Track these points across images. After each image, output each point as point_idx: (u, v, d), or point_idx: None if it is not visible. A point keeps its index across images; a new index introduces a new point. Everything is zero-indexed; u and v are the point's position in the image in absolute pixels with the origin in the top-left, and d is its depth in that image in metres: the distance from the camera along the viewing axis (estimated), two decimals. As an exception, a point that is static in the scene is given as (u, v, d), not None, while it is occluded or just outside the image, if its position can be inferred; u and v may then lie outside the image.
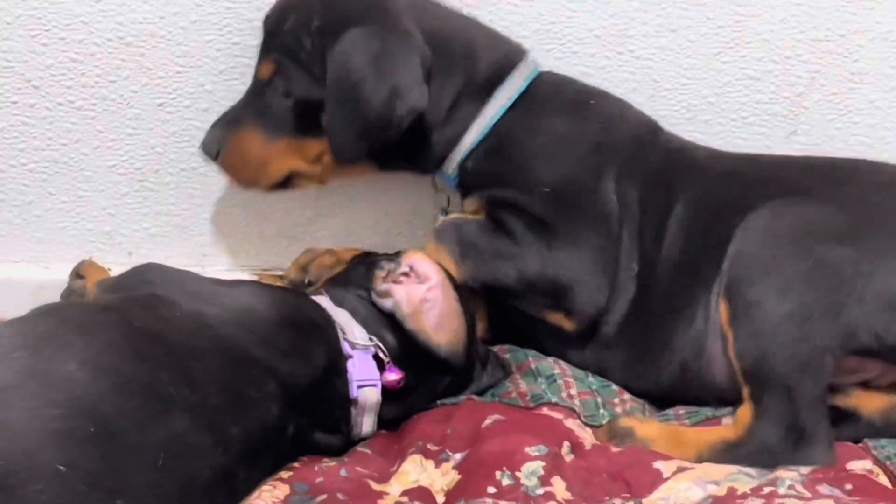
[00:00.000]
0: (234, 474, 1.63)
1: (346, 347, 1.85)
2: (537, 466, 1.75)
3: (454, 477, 1.77)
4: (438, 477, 1.78)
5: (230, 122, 2.12)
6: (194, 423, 1.59)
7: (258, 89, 2.10)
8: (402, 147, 2.10)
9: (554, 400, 1.97)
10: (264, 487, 1.68)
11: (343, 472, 1.75)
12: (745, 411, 1.87)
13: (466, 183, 2.17)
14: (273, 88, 2.09)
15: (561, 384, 2.02)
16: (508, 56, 2.18)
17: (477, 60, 2.14)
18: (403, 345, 1.90)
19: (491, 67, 2.15)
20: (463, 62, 2.13)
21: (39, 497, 1.42)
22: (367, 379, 1.85)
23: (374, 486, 1.74)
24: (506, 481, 1.72)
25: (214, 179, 2.29)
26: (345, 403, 1.84)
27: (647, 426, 1.91)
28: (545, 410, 1.93)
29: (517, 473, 1.74)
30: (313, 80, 2.05)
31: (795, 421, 1.83)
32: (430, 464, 1.80)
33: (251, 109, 2.11)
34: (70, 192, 2.33)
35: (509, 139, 2.15)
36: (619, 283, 2.08)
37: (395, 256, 1.94)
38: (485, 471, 1.74)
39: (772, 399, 1.84)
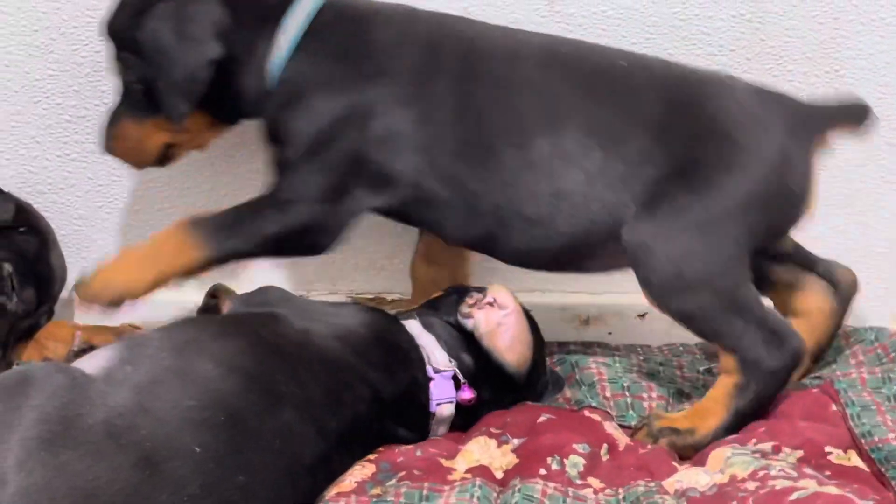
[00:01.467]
0: (330, 458, 1.69)
1: (429, 371, 1.88)
2: (579, 461, 1.78)
3: (512, 459, 1.80)
4: (499, 456, 1.81)
5: (111, 120, 2.10)
6: (301, 417, 1.65)
7: (122, 86, 2.08)
8: (228, 98, 2.04)
9: (594, 403, 2.01)
10: (356, 467, 1.72)
11: (418, 453, 1.78)
12: (725, 357, 1.90)
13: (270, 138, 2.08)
14: (128, 81, 2.06)
15: (598, 389, 2.06)
16: None
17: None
18: (478, 365, 1.93)
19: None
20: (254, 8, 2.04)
21: (177, 472, 1.50)
22: (444, 398, 1.88)
23: (444, 462, 1.77)
24: (555, 466, 1.75)
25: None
26: (425, 414, 1.88)
27: (678, 419, 1.92)
28: (586, 413, 1.94)
29: (565, 461, 1.77)
30: (146, 62, 2.02)
31: (764, 331, 1.87)
32: (493, 443, 1.83)
33: (122, 104, 2.08)
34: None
35: (301, 88, 2.02)
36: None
37: (483, 289, 1.97)
38: (538, 456, 1.77)
39: (733, 334, 1.87)
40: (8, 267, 2.12)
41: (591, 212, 1.95)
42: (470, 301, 1.94)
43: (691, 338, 2.12)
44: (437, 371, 1.89)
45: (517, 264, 2.09)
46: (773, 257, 2.09)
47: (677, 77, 2.03)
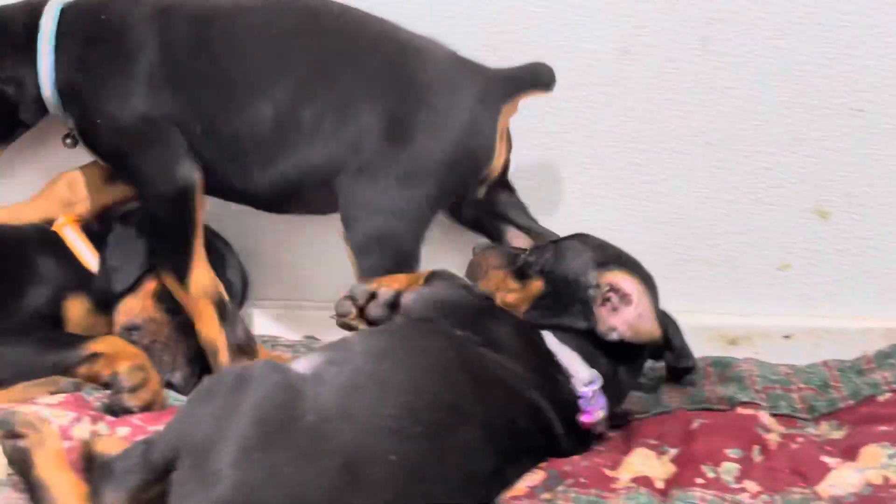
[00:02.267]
0: (503, 471, 1.74)
1: (576, 389, 1.87)
2: (733, 467, 1.80)
3: (671, 469, 1.83)
4: (658, 467, 1.84)
5: None
6: (482, 435, 1.69)
7: None
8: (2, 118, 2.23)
9: (745, 398, 2.02)
10: (527, 475, 1.77)
11: (584, 463, 1.82)
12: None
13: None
14: None
15: (748, 383, 2.09)
16: (34, 5, 2.19)
17: (11, 21, 2.19)
18: (616, 359, 1.92)
19: (23, 19, 2.19)
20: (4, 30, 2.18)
21: (372, 477, 1.54)
22: (596, 408, 1.88)
23: (608, 472, 1.82)
24: (710, 474, 1.79)
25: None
26: (582, 427, 1.88)
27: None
28: (739, 410, 1.98)
29: (718, 469, 1.80)
30: None
31: None
32: (653, 455, 1.87)
33: None
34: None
35: (72, 88, 2.17)
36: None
37: (596, 271, 1.91)
38: (694, 465, 1.80)
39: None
40: None
41: (312, 152, 2.11)
42: (602, 311, 1.88)
43: (840, 356, 2.22)
44: (582, 387, 1.89)
45: (248, 200, 2.21)
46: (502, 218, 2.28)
47: (389, 40, 2.17)
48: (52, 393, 2.00)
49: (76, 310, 2.21)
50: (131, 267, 2.23)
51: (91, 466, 1.67)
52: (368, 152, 2.09)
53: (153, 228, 2.17)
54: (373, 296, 1.97)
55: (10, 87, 2.18)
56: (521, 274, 2.00)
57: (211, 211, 2.28)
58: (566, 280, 1.94)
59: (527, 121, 2.32)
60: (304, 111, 2.11)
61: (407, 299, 1.94)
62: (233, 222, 2.40)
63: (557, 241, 2.02)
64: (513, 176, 2.30)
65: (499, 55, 2.30)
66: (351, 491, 1.53)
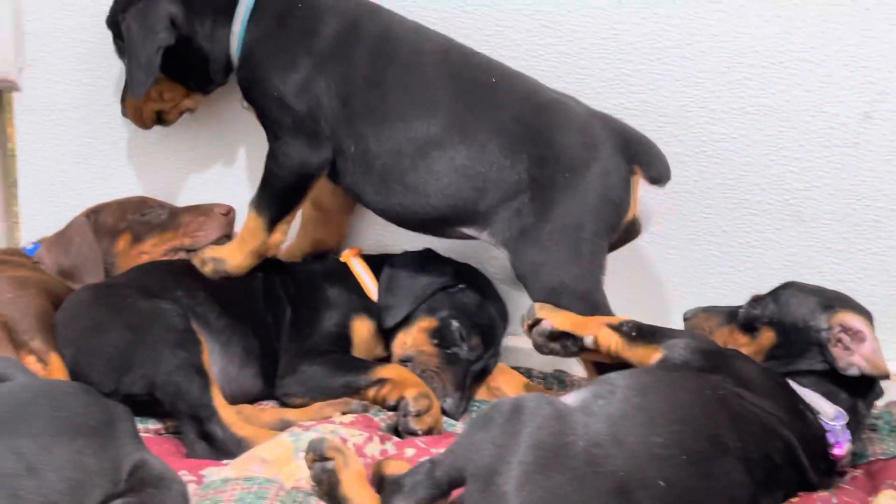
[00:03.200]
0: (758, 499, 1.77)
1: (824, 423, 1.91)
2: None
3: None
4: None
5: (122, 92, 2.50)
6: (740, 467, 1.74)
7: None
8: (196, 71, 2.40)
9: None
10: None
11: (834, 501, 1.85)
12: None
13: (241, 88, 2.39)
14: (123, 61, 2.41)
15: None
16: None
17: None
18: (853, 395, 1.94)
19: None
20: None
21: (644, 501, 1.61)
22: (842, 442, 1.92)
23: None
24: None
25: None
26: (829, 460, 1.92)
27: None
28: None
29: None
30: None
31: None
32: None
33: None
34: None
35: (250, 52, 2.33)
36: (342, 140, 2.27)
37: (825, 314, 1.96)
38: None
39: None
40: (455, 322, 2.37)
41: (452, 195, 2.22)
42: (839, 353, 1.93)
43: None
44: (829, 422, 1.92)
45: (394, 222, 2.33)
46: None
47: (534, 101, 2.26)
48: (343, 413, 2.18)
49: (362, 332, 2.39)
50: (402, 306, 2.39)
51: (381, 484, 1.83)
52: (523, 216, 2.20)
53: (266, 177, 2.34)
54: (537, 321, 2.12)
55: (207, 43, 2.38)
56: (747, 327, 2.07)
57: (469, 247, 2.46)
58: (796, 326, 2.00)
59: (772, 179, 2.42)
60: (440, 153, 2.23)
61: (674, 350, 1.99)
62: (489, 257, 2.56)
63: (773, 293, 2.07)
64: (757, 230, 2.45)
65: (747, 117, 2.42)
66: (625, 512, 1.61)
